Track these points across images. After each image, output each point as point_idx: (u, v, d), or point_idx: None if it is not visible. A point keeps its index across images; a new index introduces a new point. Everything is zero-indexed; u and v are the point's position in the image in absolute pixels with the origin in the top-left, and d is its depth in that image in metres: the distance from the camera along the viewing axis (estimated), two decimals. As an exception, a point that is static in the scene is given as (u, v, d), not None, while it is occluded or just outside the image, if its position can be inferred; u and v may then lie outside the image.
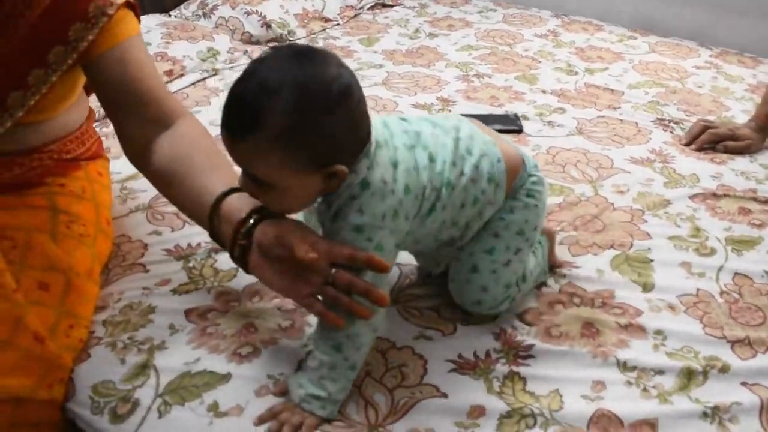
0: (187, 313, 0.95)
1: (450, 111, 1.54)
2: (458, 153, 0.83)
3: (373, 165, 0.76)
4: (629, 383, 0.85)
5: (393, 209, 0.76)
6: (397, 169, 0.77)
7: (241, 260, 0.82)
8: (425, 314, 0.94)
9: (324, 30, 2.05)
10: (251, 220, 0.80)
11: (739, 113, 1.56)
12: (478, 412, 0.79)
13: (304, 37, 1.98)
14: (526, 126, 1.48)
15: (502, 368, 0.85)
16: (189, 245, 1.09)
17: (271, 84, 0.69)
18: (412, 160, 0.79)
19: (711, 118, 1.52)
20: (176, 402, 0.81)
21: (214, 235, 0.86)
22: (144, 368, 0.86)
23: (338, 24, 2.10)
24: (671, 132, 1.47)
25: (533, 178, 0.90)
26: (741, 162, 1.36)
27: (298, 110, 0.69)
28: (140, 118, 0.93)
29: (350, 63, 1.79)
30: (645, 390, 0.84)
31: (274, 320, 0.93)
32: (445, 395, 0.81)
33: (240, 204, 0.82)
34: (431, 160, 0.80)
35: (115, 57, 0.91)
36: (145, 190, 1.20)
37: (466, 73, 1.76)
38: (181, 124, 0.95)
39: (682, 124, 1.50)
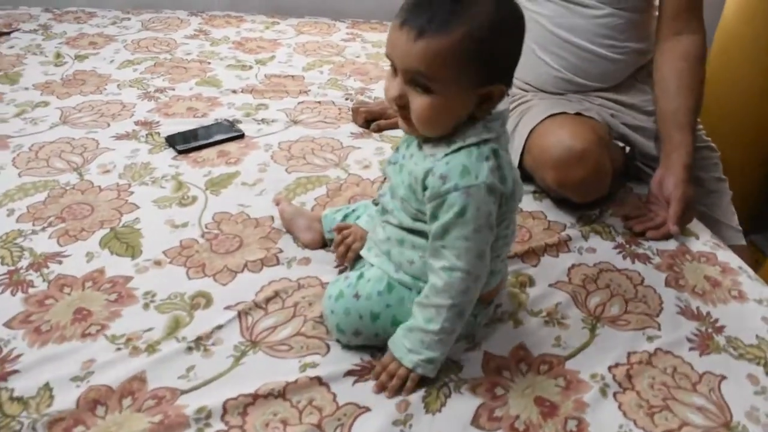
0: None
1: (158, 133, 1.42)
2: None
3: None
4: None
5: None
6: None
7: None
8: (293, 344, 0.91)
9: (-62, 74, 1.64)
10: None
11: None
12: (404, 405, 0.82)
13: None
14: (243, 129, 1.46)
15: (393, 359, 0.89)
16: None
17: None
18: None
19: (378, 86, 1.72)
20: None
21: None
22: None
23: (-50, 67, 1.69)
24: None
25: None
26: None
27: (488, 25, 0.72)
28: None
29: (5, 108, 1.53)
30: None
31: (143, 421, 0.79)
32: (368, 409, 0.82)
33: None
34: None
35: None
36: None
37: (146, 90, 1.62)
38: None
39: (368, 93, 1.68)
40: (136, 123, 1.47)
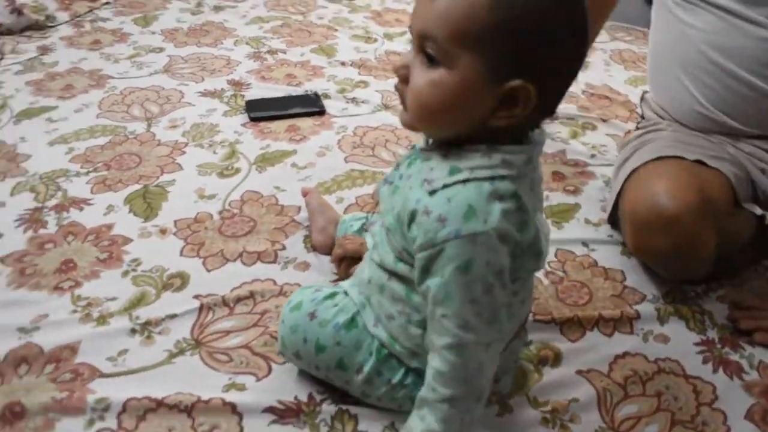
0: None
1: (243, 96, 1.37)
2: None
3: None
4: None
5: None
6: None
7: None
8: (234, 356, 0.80)
9: (91, 11, 1.74)
10: None
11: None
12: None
13: (67, 21, 1.67)
14: (328, 105, 1.36)
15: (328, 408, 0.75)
16: None
17: None
18: None
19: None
20: None
21: None
22: None
23: (108, 2, 1.80)
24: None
25: None
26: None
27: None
28: None
29: (124, 49, 1.56)
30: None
31: (48, 394, 0.74)
32: (267, 458, 0.69)
33: None
34: None
35: None
36: None
37: (258, 50, 1.59)
38: None
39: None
40: (229, 82, 1.43)
